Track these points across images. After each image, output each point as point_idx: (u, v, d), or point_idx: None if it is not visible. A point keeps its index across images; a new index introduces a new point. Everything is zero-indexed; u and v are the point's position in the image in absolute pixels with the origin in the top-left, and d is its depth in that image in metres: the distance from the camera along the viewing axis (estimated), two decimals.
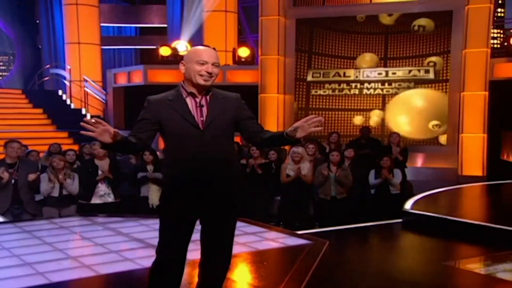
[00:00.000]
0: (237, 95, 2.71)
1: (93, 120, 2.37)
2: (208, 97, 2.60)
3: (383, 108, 10.65)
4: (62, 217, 5.63)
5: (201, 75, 2.53)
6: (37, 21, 19.11)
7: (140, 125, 2.56)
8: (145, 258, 3.85)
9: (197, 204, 2.54)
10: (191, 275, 3.07)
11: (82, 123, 2.39)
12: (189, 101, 2.57)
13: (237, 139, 8.35)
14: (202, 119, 2.54)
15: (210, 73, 2.53)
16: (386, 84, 10.62)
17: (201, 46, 2.63)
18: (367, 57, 10.73)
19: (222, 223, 2.62)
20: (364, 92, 10.72)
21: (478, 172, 9.61)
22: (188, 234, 2.57)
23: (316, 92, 10.99)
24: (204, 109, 2.56)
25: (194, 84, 2.56)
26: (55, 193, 5.81)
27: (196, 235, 2.64)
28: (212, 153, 2.51)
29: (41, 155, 7.25)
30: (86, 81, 13.67)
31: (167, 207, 2.58)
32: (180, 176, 2.53)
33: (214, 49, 2.61)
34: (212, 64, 2.54)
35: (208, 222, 2.61)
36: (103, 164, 5.98)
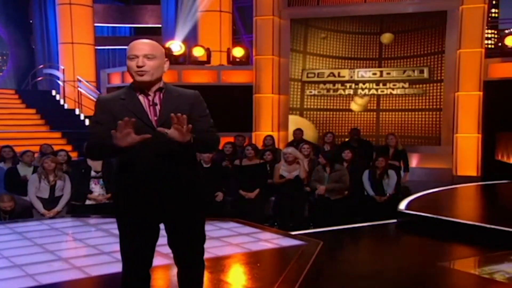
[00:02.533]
0: (195, 92, 2.50)
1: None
2: (161, 94, 2.42)
3: (377, 109, 10.63)
4: (54, 218, 5.57)
5: (135, 71, 2.35)
6: (31, 21, 18.99)
7: (100, 129, 2.35)
8: None
9: (155, 207, 2.38)
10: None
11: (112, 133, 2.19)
12: (142, 99, 2.40)
13: (232, 139, 8.32)
14: (155, 118, 2.38)
15: (140, 67, 2.33)
16: (381, 84, 10.60)
17: (138, 40, 2.43)
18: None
19: (184, 226, 2.44)
20: (358, 93, 10.71)
21: (473, 173, 9.61)
22: (149, 240, 2.42)
23: (310, 92, 10.96)
24: (158, 108, 2.40)
25: (136, 81, 2.39)
26: (45, 195, 5.73)
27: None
28: (167, 154, 2.34)
29: (36, 155, 7.19)
30: (80, 81, 13.62)
31: (123, 212, 2.41)
32: (135, 180, 2.36)
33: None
34: (144, 57, 2.34)
35: (170, 227, 2.45)
36: (96, 165, 5.92)
